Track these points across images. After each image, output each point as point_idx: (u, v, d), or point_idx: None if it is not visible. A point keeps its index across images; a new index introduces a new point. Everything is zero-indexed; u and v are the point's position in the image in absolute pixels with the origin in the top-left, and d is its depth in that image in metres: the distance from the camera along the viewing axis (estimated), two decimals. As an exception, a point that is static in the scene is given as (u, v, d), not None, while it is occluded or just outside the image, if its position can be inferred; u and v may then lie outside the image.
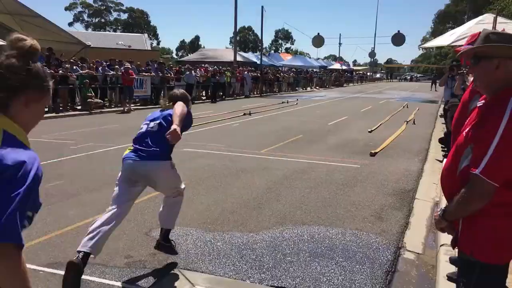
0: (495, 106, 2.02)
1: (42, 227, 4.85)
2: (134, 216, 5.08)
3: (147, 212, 5.40)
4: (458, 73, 7.38)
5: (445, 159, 8.30)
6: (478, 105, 2.17)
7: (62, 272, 3.79)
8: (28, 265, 3.84)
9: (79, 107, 17.64)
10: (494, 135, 1.93)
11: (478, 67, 2.13)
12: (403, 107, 21.73)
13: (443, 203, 5.48)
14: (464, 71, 7.00)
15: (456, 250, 2.28)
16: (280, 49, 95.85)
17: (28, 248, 4.28)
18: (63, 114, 16.06)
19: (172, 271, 3.91)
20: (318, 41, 50.72)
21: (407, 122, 15.26)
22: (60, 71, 16.52)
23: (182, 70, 23.91)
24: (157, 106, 20.80)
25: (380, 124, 14.41)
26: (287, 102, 23.78)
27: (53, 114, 15.64)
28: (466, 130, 2.13)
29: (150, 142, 3.68)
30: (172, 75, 22.79)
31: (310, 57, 67.26)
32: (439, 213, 2.24)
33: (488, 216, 2.05)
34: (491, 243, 2.06)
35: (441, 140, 9.85)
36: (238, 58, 38.22)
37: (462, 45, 6.22)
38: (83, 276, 3.75)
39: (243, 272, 3.91)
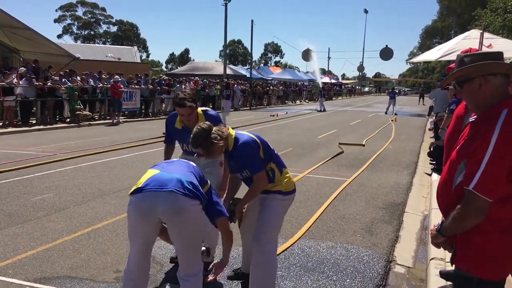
0: (486, 121, 2.03)
1: (29, 241, 4.78)
2: (122, 230, 5.03)
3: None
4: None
5: (433, 173, 8.27)
6: (470, 120, 2.18)
7: (50, 287, 3.74)
8: (15, 280, 3.81)
9: (67, 120, 17.53)
10: (485, 150, 1.93)
11: (464, 90, 2.16)
12: (392, 120, 21.96)
13: (433, 216, 5.51)
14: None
15: (447, 263, 2.28)
16: (269, 62, 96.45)
17: (14, 263, 4.21)
18: (51, 126, 15.92)
19: (162, 286, 3.86)
20: (307, 54, 51.12)
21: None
22: (49, 83, 16.44)
23: (172, 82, 23.91)
24: (147, 118, 20.77)
25: (370, 137, 14.50)
26: (277, 115, 23.85)
27: (41, 127, 15.53)
28: (459, 146, 2.14)
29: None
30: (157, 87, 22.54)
31: (299, 71, 67.79)
32: (436, 228, 2.23)
33: (483, 232, 2.04)
34: (487, 259, 2.05)
35: (430, 154, 9.92)
36: (228, 71, 38.34)
37: (453, 62, 6.24)
38: (71, 292, 3.69)
39: (234, 286, 3.87)
